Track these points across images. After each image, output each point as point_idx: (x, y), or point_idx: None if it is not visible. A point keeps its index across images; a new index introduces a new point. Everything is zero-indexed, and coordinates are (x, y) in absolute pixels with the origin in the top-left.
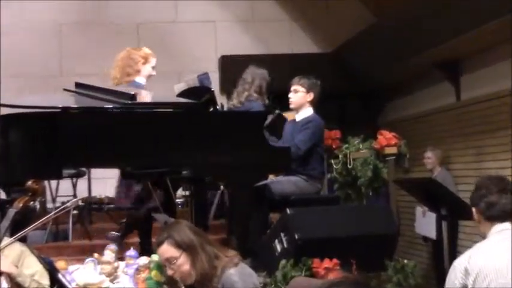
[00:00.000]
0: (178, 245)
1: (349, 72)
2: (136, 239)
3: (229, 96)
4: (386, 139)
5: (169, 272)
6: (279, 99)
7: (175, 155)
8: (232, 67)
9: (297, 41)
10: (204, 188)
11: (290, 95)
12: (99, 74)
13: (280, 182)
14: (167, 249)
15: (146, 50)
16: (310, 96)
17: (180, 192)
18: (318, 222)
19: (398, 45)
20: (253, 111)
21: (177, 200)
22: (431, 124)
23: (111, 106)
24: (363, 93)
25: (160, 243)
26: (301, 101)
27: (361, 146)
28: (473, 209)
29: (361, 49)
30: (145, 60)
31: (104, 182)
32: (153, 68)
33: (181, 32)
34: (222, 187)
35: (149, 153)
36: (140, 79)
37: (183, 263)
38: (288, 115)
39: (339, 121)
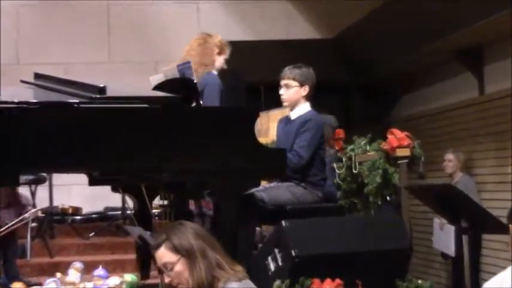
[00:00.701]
0: (176, 250)
1: (354, 61)
2: (105, 256)
3: None
4: (398, 139)
5: (167, 280)
6: (271, 92)
7: (151, 157)
8: None
9: (292, 25)
10: (185, 196)
11: (281, 92)
12: (63, 63)
13: (273, 190)
14: (164, 254)
15: (221, 39)
16: (305, 90)
17: (157, 201)
18: (318, 236)
19: (411, 30)
20: (243, 107)
21: (154, 211)
22: (450, 122)
23: (76, 101)
24: (370, 86)
25: (157, 246)
26: (294, 97)
27: (368, 147)
28: (511, 227)
29: (368, 35)
30: (221, 50)
31: (68, 190)
32: (226, 61)
33: (158, 13)
34: (205, 195)
35: (121, 156)
36: (214, 71)
37: (181, 270)
38: (281, 112)
39: (342, 118)
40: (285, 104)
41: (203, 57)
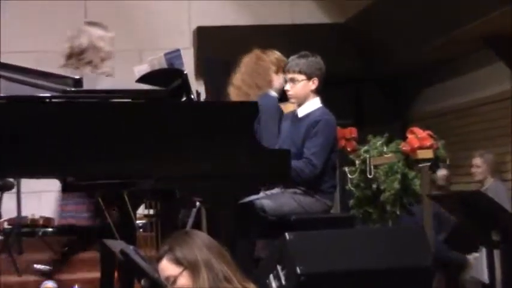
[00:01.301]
0: (179, 262)
1: (368, 49)
2: (81, 274)
3: None
4: (419, 139)
5: None
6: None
7: (134, 160)
8: (211, 42)
9: (297, 8)
10: (173, 205)
11: (287, 87)
12: (33, 51)
13: (276, 197)
14: (166, 266)
15: (278, 56)
16: (314, 83)
17: (141, 211)
18: (327, 251)
19: (434, 14)
20: (240, 102)
21: (138, 222)
22: (479, 119)
23: (47, 94)
24: (387, 78)
25: (159, 258)
26: (302, 93)
27: (385, 148)
28: None
29: (384, 19)
30: (279, 68)
31: (38, 198)
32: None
33: None
34: (197, 204)
35: (99, 158)
36: (273, 92)
37: (184, 284)
38: (285, 107)
39: (355, 115)
40: (292, 101)
41: (256, 78)
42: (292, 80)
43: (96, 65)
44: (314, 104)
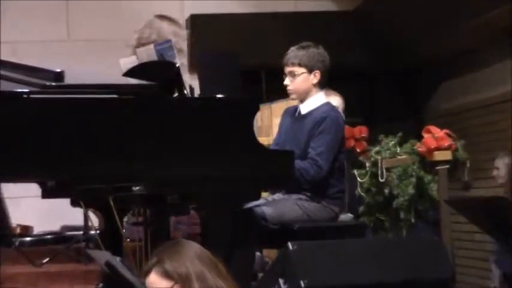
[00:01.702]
0: (168, 275)
1: (380, 39)
2: None
3: None
4: (436, 139)
5: None
6: (275, 78)
7: (121, 162)
8: (206, 31)
9: None
10: (165, 211)
11: (286, 81)
12: (9, 41)
13: (278, 204)
14: (155, 280)
15: None
16: (316, 76)
17: (129, 218)
18: (334, 262)
19: (454, 0)
20: (239, 98)
21: (125, 231)
22: (503, 116)
23: (26, 90)
24: (401, 71)
25: (147, 271)
26: (303, 87)
27: (398, 149)
28: None
29: (398, 6)
30: None
31: (16, 204)
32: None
33: None
34: (192, 210)
35: (82, 160)
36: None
37: None
38: (287, 104)
39: (365, 112)
40: (292, 96)
41: None
42: (292, 74)
43: None
44: (318, 99)
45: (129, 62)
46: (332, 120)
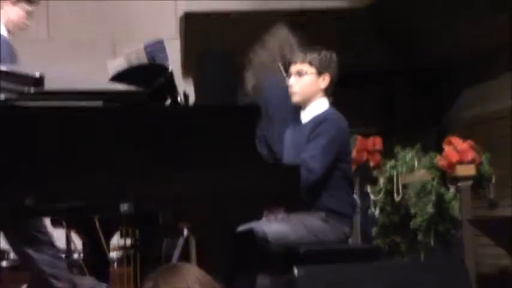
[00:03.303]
0: None
1: (397, 39)
2: None
3: None
4: (459, 152)
5: None
6: None
7: (107, 178)
8: (201, 31)
9: None
10: (156, 233)
11: (291, 80)
12: None
13: (281, 224)
14: None
15: None
16: (325, 81)
17: (116, 240)
18: None
19: None
20: (238, 105)
21: (111, 254)
22: None
23: (1, 96)
24: (420, 74)
25: None
26: (309, 90)
27: (416, 163)
28: None
29: (417, 2)
30: None
31: None
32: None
33: None
34: (186, 231)
35: (64, 175)
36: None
37: None
38: None
39: (379, 121)
40: (295, 98)
41: None
42: (299, 73)
43: None
44: (321, 105)
45: (117, 65)
46: (331, 123)
